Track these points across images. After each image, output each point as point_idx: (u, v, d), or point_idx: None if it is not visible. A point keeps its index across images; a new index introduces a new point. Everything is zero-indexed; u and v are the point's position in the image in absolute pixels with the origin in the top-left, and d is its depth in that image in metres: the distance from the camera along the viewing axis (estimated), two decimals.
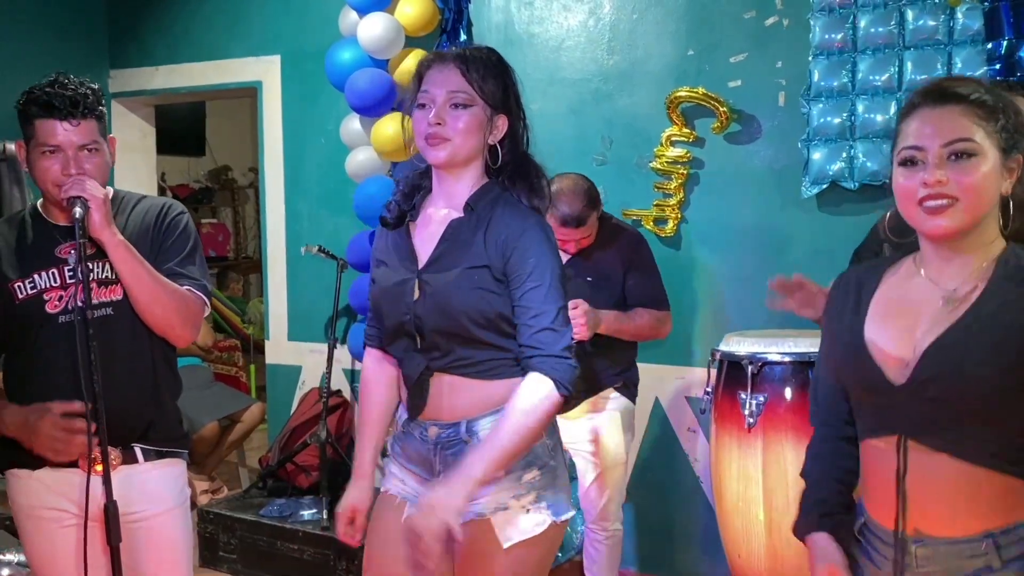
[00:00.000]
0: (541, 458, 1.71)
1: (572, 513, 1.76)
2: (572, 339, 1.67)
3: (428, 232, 1.76)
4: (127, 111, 4.68)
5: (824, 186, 3.08)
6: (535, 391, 1.62)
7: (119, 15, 4.55)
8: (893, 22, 2.97)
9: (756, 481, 2.58)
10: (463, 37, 3.62)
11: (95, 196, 1.82)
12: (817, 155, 3.08)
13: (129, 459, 1.94)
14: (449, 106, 1.67)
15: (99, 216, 1.82)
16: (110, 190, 1.98)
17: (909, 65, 2.95)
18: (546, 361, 1.63)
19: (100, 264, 1.91)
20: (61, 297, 1.90)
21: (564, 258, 2.76)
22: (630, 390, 2.94)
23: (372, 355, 1.91)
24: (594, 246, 2.81)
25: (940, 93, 1.35)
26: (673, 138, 3.31)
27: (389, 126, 3.46)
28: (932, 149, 1.32)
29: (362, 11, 3.58)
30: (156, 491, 1.98)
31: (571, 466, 3.10)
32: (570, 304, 2.51)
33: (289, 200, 4.24)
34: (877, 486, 1.43)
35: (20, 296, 1.91)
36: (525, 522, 1.68)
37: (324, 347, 3.87)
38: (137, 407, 1.95)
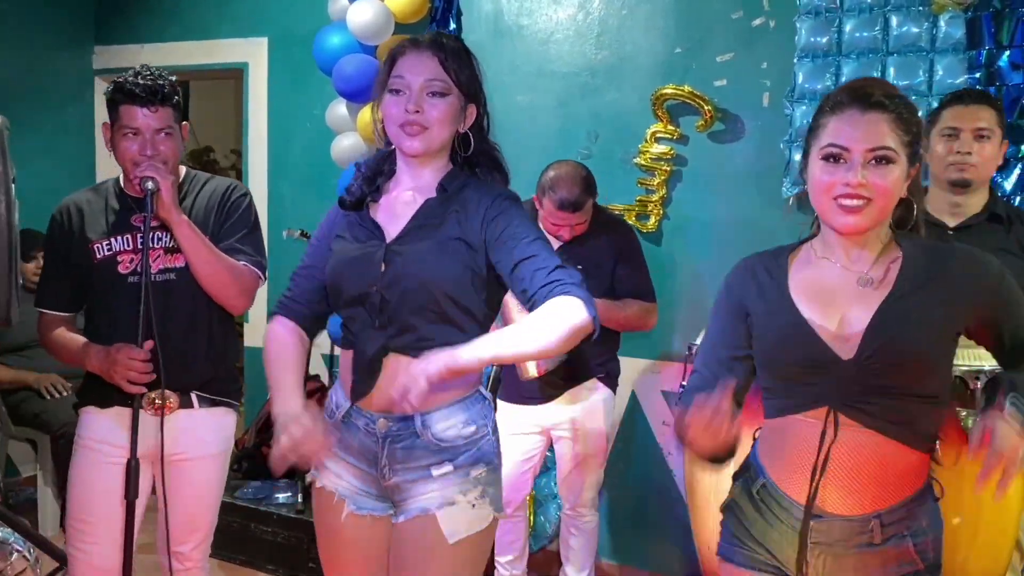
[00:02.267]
0: (487, 454, 1.73)
1: (509, 510, 1.81)
2: (580, 279, 1.62)
3: (394, 212, 1.74)
4: None
5: (804, 187, 3.11)
6: (565, 304, 1.54)
7: None
8: (877, 27, 3.01)
9: (728, 473, 2.61)
10: (452, 26, 3.63)
11: (164, 180, 2.07)
12: (799, 156, 3.09)
13: (186, 404, 2.21)
14: (427, 94, 1.65)
15: (167, 198, 2.07)
16: (181, 170, 2.26)
17: (892, 71, 3.00)
18: (571, 288, 1.56)
19: (167, 234, 2.15)
20: (132, 260, 2.16)
21: (556, 244, 2.80)
22: (612, 380, 2.98)
23: (284, 323, 1.82)
24: (587, 234, 2.84)
25: (867, 98, 1.46)
26: (658, 135, 3.34)
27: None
28: (857, 151, 1.44)
29: None
30: (205, 436, 2.24)
31: (549, 454, 3.14)
32: None
33: (272, 183, 4.23)
34: (796, 460, 1.51)
35: (98, 256, 2.18)
36: (471, 517, 1.69)
37: None
38: (193, 361, 2.20)
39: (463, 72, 1.69)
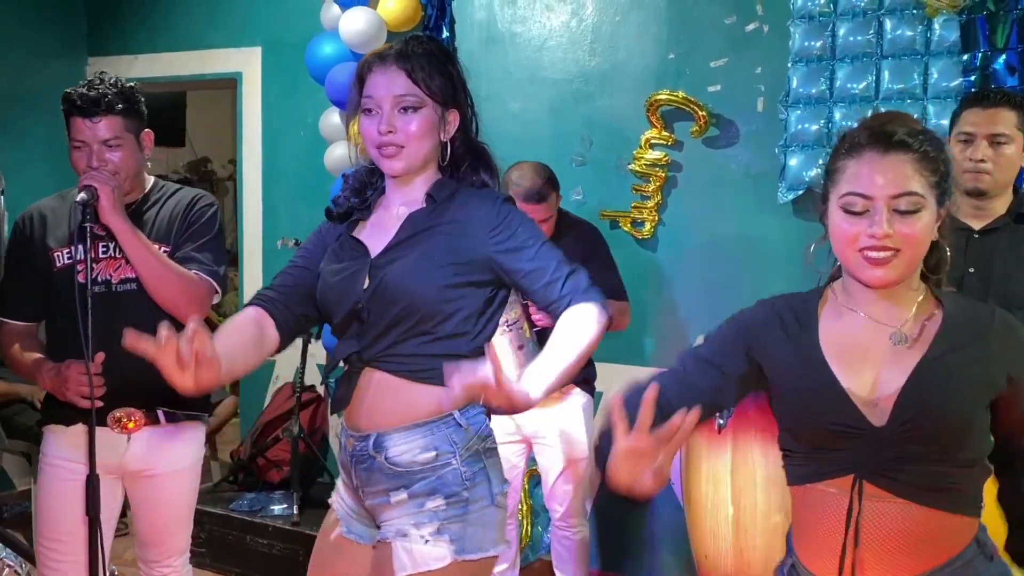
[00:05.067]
0: (450, 486, 1.58)
1: (489, 554, 1.61)
2: (588, 281, 1.64)
3: (382, 228, 1.68)
4: None
5: (800, 192, 3.10)
6: (585, 311, 1.57)
7: (98, 1, 4.51)
8: (871, 31, 3.00)
9: (725, 482, 2.59)
10: (445, 34, 3.62)
11: (104, 186, 1.99)
12: (794, 161, 3.11)
13: (152, 420, 2.15)
14: (398, 111, 1.59)
15: (107, 203, 1.99)
16: (149, 180, 2.23)
17: (886, 74, 2.98)
18: (585, 295, 1.59)
19: None
20: (93, 269, 2.09)
21: None
22: (590, 385, 2.97)
23: (248, 310, 1.73)
24: (554, 238, 2.83)
25: (887, 139, 1.34)
26: (652, 141, 3.32)
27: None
28: (880, 200, 1.32)
29: (344, 5, 3.57)
30: (174, 451, 2.19)
31: (532, 463, 3.11)
32: None
33: (267, 193, 4.22)
34: (821, 533, 1.40)
35: (58, 264, 2.13)
36: (422, 553, 1.56)
37: (298, 342, 3.84)
38: (156, 375, 2.02)
39: (434, 79, 1.60)
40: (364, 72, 1.64)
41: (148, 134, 2.16)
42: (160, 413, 2.15)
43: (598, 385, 3.37)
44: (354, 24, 3.50)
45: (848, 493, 1.35)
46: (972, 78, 2.87)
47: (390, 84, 1.59)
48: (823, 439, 1.38)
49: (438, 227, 1.63)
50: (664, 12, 3.36)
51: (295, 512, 3.47)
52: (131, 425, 2.11)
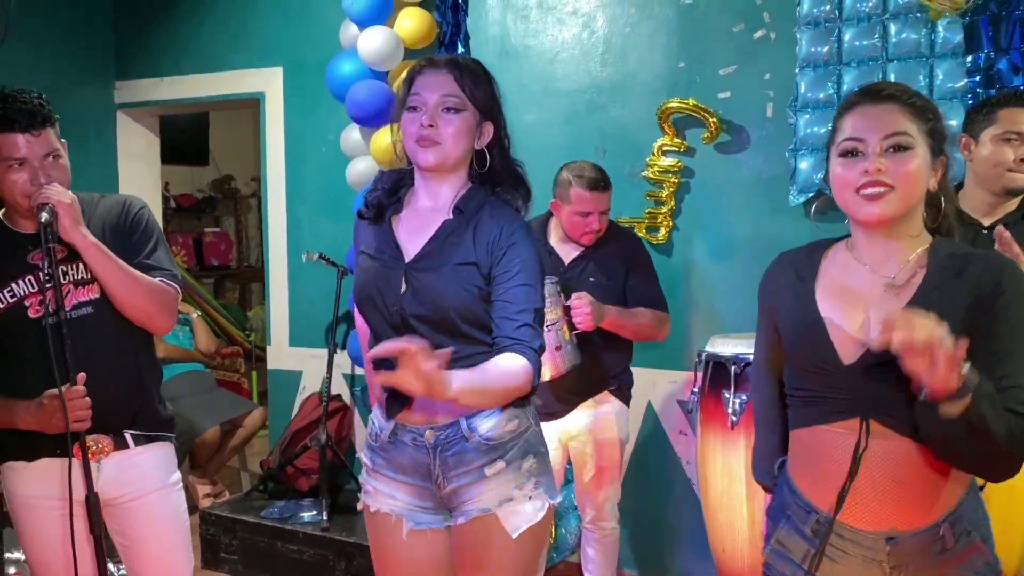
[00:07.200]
0: (534, 445, 1.79)
1: (561, 496, 1.82)
2: (543, 342, 1.74)
3: (413, 227, 1.79)
4: (132, 121, 4.76)
5: (810, 194, 3.16)
6: (518, 362, 1.67)
7: (125, 27, 4.65)
8: (877, 35, 3.06)
9: (739, 477, 2.65)
10: (460, 50, 3.71)
11: (62, 201, 1.90)
12: (804, 164, 3.17)
13: (121, 445, 2.06)
14: (441, 110, 1.71)
15: (68, 220, 1.90)
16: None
17: (892, 77, 3.03)
18: (527, 352, 1.69)
19: (74, 265, 1.99)
20: (42, 301, 1.95)
21: (571, 256, 2.84)
22: (624, 393, 3.01)
23: None
24: (598, 246, 2.88)
25: (877, 93, 1.48)
26: (664, 148, 3.39)
27: (388, 136, 3.52)
28: (872, 141, 1.44)
29: (362, 24, 3.67)
30: (147, 472, 2.10)
31: (567, 467, 3.17)
32: (574, 295, 2.59)
33: (290, 208, 4.32)
34: (826, 465, 1.46)
35: (1, 306, 1.98)
36: (529, 509, 1.75)
37: (324, 352, 3.94)
38: (125, 397, 2.06)
39: (478, 89, 1.74)
40: (415, 74, 1.77)
41: (64, 144, 2.03)
42: (128, 436, 2.06)
43: None
44: (372, 43, 3.60)
45: (855, 433, 1.42)
46: (977, 79, 2.92)
47: (439, 84, 1.73)
48: (805, 374, 1.49)
49: (464, 238, 1.74)
50: (673, 22, 3.44)
51: (324, 518, 3.55)
52: (100, 452, 2.02)
